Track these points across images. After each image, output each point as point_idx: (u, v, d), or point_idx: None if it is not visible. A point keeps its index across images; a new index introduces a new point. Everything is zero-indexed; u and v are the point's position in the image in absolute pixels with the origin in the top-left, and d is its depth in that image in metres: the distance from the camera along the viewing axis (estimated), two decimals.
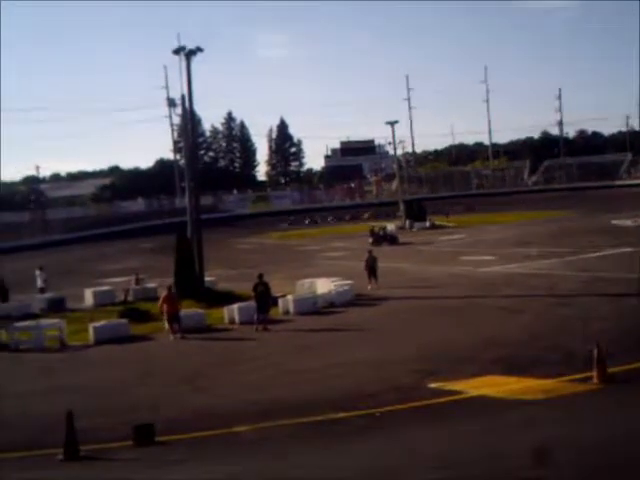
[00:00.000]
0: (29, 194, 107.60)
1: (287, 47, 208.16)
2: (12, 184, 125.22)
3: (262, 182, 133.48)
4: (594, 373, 15.22)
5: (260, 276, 26.44)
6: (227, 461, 12.44)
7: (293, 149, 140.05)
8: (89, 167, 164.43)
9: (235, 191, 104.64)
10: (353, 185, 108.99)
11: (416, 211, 67.07)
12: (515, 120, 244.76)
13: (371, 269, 31.96)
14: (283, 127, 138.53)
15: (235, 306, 26.98)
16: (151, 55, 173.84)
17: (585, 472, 8.44)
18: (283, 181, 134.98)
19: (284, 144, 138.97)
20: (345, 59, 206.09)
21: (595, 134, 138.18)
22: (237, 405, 16.07)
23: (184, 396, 17.50)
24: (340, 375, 18.08)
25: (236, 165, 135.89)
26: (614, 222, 51.48)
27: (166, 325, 25.55)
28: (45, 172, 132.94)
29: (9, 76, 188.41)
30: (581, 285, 28.69)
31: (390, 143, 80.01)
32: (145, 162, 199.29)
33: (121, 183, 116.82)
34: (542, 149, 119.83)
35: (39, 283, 36.41)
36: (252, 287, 26.16)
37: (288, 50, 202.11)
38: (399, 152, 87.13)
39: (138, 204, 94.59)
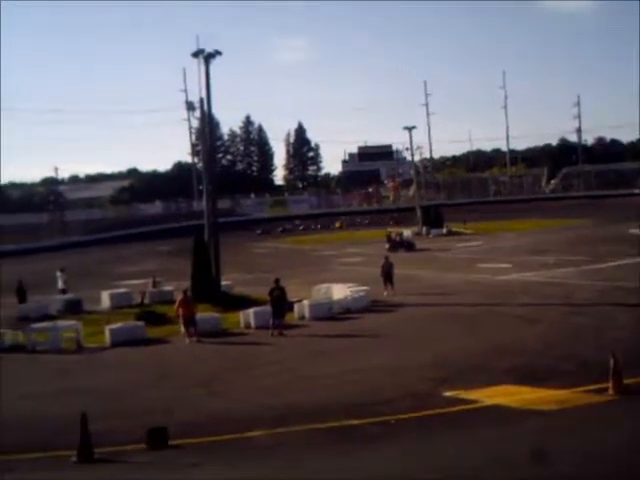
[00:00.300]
0: (48, 195, 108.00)
1: (306, 51, 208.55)
2: (31, 185, 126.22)
3: (279, 186, 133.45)
4: (610, 384, 15.13)
5: (276, 281, 26.49)
6: (241, 466, 12.47)
7: (311, 153, 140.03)
8: (107, 169, 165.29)
9: (252, 195, 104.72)
10: (370, 190, 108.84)
11: (433, 217, 66.98)
12: (533, 127, 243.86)
13: (387, 275, 31.93)
14: (301, 131, 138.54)
15: (251, 310, 27.03)
16: (171, 58, 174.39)
17: None
18: (300, 185, 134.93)
19: (302, 148, 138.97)
20: (363, 64, 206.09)
21: (614, 142, 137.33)
22: (252, 410, 16.11)
23: (199, 400, 17.56)
24: (355, 381, 18.09)
25: (254, 169, 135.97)
26: (632, 231, 51.10)
27: (182, 328, 25.64)
28: (64, 174, 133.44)
29: (29, 77, 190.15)
30: (597, 294, 28.58)
31: (407, 149, 79.86)
32: (163, 165, 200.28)
33: (139, 185, 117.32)
34: (560, 156, 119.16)
35: (60, 284, 36.70)
36: (268, 292, 26.24)
37: (307, 54, 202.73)
38: (417, 158, 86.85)
39: (156, 207, 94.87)
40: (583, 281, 31.79)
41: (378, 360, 20.18)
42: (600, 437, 11.69)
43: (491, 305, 27.85)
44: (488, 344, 21.34)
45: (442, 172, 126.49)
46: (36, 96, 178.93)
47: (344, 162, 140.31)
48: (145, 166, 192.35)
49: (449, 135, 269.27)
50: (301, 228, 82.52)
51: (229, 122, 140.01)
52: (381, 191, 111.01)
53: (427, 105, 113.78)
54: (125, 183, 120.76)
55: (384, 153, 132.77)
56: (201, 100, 35.72)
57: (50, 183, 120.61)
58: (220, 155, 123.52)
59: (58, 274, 37.05)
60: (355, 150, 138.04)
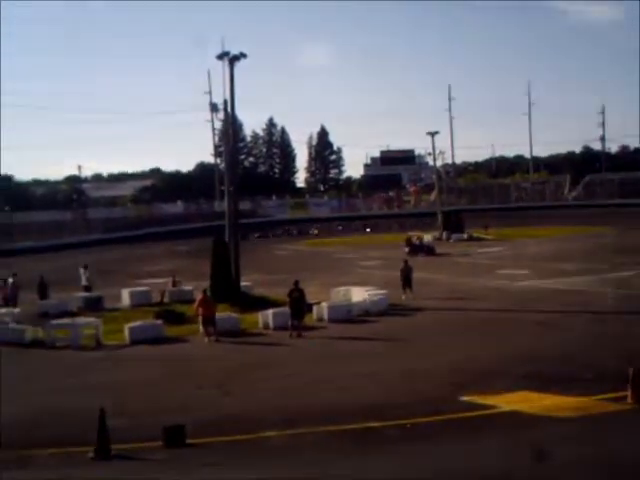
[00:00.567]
0: (71, 193, 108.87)
1: (330, 54, 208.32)
2: (55, 183, 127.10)
3: (301, 189, 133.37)
4: (628, 393, 15.06)
5: (296, 283, 26.56)
6: (257, 465, 12.50)
7: (333, 156, 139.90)
8: (130, 168, 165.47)
9: (274, 197, 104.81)
10: (392, 194, 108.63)
11: (454, 222, 66.78)
12: (556, 134, 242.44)
13: (406, 279, 31.91)
14: (323, 134, 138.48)
15: (270, 311, 27.09)
16: (196, 59, 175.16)
17: None
18: (322, 188, 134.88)
19: (324, 151, 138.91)
20: (387, 68, 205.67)
21: (638, 150, 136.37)
22: (268, 410, 16.12)
23: (215, 399, 17.62)
24: (372, 384, 18.10)
25: (276, 171, 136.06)
26: None
27: (201, 328, 25.71)
28: (87, 172, 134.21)
29: (58, 77, 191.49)
30: (617, 303, 28.35)
31: (430, 153, 79.69)
32: (186, 165, 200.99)
33: (161, 185, 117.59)
34: (583, 164, 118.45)
35: (83, 281, 36.93)
36: (287, 293, 26.30)
37: (331, 58, 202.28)
38: (439, 163, 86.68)
39: (177, 207, 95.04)
40: (603, 289, 31.59)
41: (395, 364, 20.17)
42: (616, 445, 11.64)
43: (510, 311, 27.76)
44: (506, 350, 21.26)
45: (464, 177, 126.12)
46: (62, 95, 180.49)
47: (366, 166, 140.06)
48: (168, 166, 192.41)
49: (472, 141, 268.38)
50: (295, 233, 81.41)
51: (252, 124, 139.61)
52: (402, 195, 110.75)
53: (450, 110, 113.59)
54: (147, 183, 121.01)
55: (406, 158, 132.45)
56: (225, 102, 35.89)
57: (73, 181, 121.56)
58: (242, 157, 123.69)
59: (81, 271, 37.29)
60: (377, 154, 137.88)
